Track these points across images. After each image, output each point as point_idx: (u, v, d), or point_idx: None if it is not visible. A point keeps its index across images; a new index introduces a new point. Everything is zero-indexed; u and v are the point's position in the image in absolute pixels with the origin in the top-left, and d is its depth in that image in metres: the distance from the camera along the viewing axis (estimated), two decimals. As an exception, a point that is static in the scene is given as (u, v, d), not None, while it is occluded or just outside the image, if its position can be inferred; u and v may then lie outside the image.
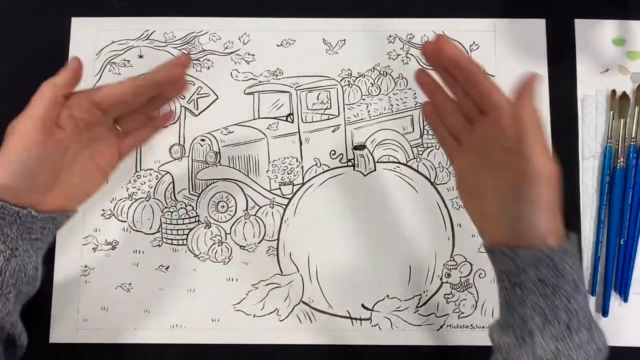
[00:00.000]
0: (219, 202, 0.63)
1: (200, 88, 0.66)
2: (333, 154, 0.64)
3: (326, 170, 0.64)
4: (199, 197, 0.63)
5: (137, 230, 0.63)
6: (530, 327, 0.43)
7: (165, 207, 0.63)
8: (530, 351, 0.42)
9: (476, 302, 0.62)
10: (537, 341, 0.42)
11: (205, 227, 0.63)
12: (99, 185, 0.50)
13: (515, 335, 0.43)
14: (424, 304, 0.62)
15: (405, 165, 0.64)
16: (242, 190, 0.63)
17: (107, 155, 0.50)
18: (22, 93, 0.66)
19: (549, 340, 0.42)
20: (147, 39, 0.66)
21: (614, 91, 0.64)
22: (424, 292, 0.62)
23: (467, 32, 0.66)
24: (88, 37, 0.66)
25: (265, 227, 0.63)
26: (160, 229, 0.63)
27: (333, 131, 0.65)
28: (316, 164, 0.64)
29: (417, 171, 0.64)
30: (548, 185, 0.42)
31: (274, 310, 0.61)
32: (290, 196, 0.63)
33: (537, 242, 0.42)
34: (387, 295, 0.62)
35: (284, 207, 0.63)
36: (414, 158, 0.64)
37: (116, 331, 0.61)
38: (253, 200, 0.63)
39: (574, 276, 0.42)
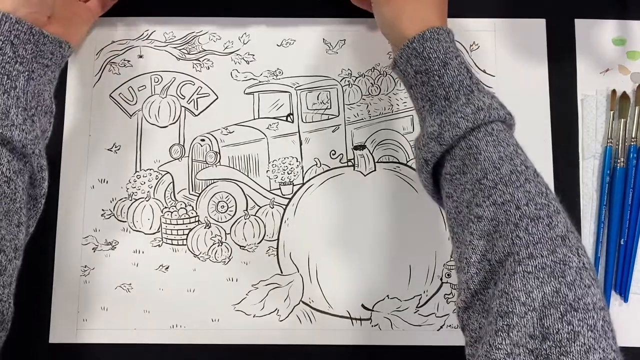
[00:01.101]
0: (219, 202, 0.63)
1: (200, 88, 0.66)
2: (333, 154, 0.64)
3: (326, 170, 0.64)
4: (199, 197, 0.63)
5: (137, 230, 0.63)
6: (424, 115, 0.47)
7: (165, 207, 0.63)
8: (425, 134, 0.46)
9: (476, 302, 0.62)
10: (428, 122, 0.47)
11: (205, 227, 0.63)
12: (90, 20, 0.54)
13: (421, 131, 0.48)
14: (424, 304, 0.62)
15: (405, 165, 0.64)
16: (242, 190, 0.63)
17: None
18: (22, 93, 0.66)
19: (436, 117, 0.46)
20: (147, 39, 0.66)
21: (614, 91, 0.64)
22: (424, 292, 0.62)
23: (467, 32, 0.66)
24: (88, 37, 0.66)
25: (265, 227, 0.63)
26: (160, 229, 0.63)
27: (333, 131, 0.65)
28: (316, 164, 0.64)
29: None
30: None
31: (274, 310, 0.61)
32: (290, 196, 0.63)
33: (404, 38, 0.48)
34: (387, 295, 0.62)
35: (284, 207, 0.63)
36: (414, 158, 0.64)
37: (116, 331, 0.61)
38: (253, 200, 0.63)
39: (439, 54, 0.46)
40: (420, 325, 0.61)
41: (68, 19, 0.52)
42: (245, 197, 0.63)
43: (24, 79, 0.45)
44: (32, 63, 0.46)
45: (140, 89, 0.65)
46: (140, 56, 0.66)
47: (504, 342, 0.36)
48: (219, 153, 0.64)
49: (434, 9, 0.50)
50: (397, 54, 0.49)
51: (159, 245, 0.63)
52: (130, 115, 0.65)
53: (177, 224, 0.63)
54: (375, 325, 0.61)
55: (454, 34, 0.49)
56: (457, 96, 0.45)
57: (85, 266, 0.62)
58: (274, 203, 0.63)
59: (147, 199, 0.63)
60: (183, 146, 0.64)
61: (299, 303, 0.62)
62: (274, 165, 0.64)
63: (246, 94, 0.65)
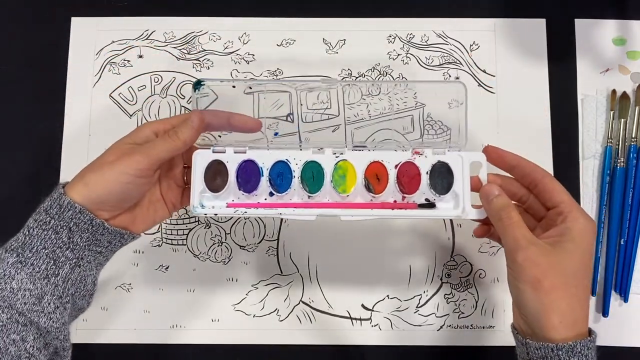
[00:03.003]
0: (219, 202, 0.63)
1: (200, 88, 0.65)
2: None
3: (326, 170, 0.64)
4: (199, 197, 0.63)
5: (137, 230, 0.63)
6: None
7: (165, 207, 0.63)
8: None
9: (476, 302, 0.62)
10: None
11: (205, 227, 0.63)
12: (164, 217, 0.52)
13: None
14: (424, 304, 0.62)
15: (405, 165, 0.64)
16: (242, 190, 0.63)
17: (175, 194, 0.52)
18: (22, 93, 0.66)
19: None
20: (146, 39, 0.66)
21: (614, 91, 0.64)
22: (424, 292, 0.62)
23: (467, 32, 0.66)
24: (88, 37, 0.66)
25: (265, 227, 0.63)
26: (160, 229, 0.63)
27: (333, 131, 0.65)
28: (316, 164, 0.64)
29: (417, 171, 0.64)
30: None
31: (274, 310, 0.61)
32: (290, 196, 0.63)
33: (545, 334, 0.43)
34: (387, 295, 0.62)
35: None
36: None
37: (116, 331, 0.61)
38: (253, 200, 0.63)
39: None
40: (420, 325, 0.61)
41: (142, 213, 0.50)
42: (245, 197, 0.63)
43: (69, 267, 0.45)
44: (84, 250, 0.46)
45: (140, 89, 0.65)
46: (140, 56, 0.66)
47: None
48: (219, 153, 0.64)
49: (586, 307, 0.45)
50: (533, 345, 0.44)
51: (159, 245, 0.63)
52: (130, 115, 0.65)
53: (177, 224, 0.63)
54: (375, 325, 0.61)
55: (596, 335, 0.45)
56: None
57: (85, 266, 0.62)
58: (274, 203, 0.63)
59: (147, 199, 0.63)
60: (183, 146, 0.64)
61: (299, 303, 0.62)
62: (274, 165, 0.64)
63: (246, 93, 0.65)
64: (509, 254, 0.45)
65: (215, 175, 0.50)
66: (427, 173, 0.51)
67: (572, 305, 0.44)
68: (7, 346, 0.42)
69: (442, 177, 0.51)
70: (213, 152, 0.51)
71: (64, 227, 0.44)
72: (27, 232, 0.44)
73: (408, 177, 0.51)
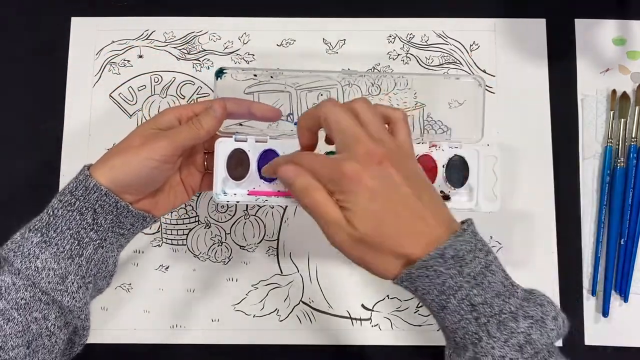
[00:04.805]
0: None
1: (200, 88, 0.66)
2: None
3: (326, 170, 0.64)
4: (198, 197, 0.63)
5: (137, 230, 0.63)
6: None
7: (165, 207, 0.63)
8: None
9: (476, 302, 0.61)
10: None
11: (205, 227, 0.63)
12: (183, 201, 0.53)
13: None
14: (424, 304, 0.62)
15: (405, 165, 0.64)
16: (242, 190, 0.63)
17: (194, 179, 0.53)
18: (22, 93, 0.66)
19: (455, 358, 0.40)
20: (146, 39, 0.66)
21: (614, 91, 0.64)
22: (424, 292, 0.62)
23: (467, 32, 0.66)
24: (88, 37, 0.66)
25: (265, 227, 0.63)
26: (160, 229, 0.63)
27: (333, 131, 0.65)
28: (316, 164, 0.64)
29: (417, 171, 0.64)
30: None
31: (274, 310, 0.61)
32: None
33: (392, 256, 0.40)
34: (387, 295, 0.62)
35: (284, 207, 0.63)
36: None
37: (116, 331, 0.61)
38: (253, 200, 0.63)
39: (433, 297, 0.39)
40: (420, 325, 0.61)
41: (163, 197, 0.51)
42: (245, 197, 0.63)
43: (93, 248, 0.45)
44: (108, 232, 0.46)
45: (140, 89, 0.65)
46: (140, 56, 0.66)
47: None
48: (219, 153, 0.64)
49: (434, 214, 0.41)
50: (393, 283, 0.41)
51: (159, 245, 0.63)
52: (130, 115, 0.65)
53: (177, 224, 0.63)
54: (375, 325, 0.61)
55: (460, 244, 0.39)
56: (465, 345, 0.38)
57: (85, 266, 0.62)
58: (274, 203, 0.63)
59: (147, 199, 0.63)
60: (183, 146, 0.64)
61: (299, 303, 0.62)
62: (274, 165, 0.64)
63: (246, 93, 0.65)
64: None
65: (237, 164, 0.51)
66: (443, 166, 0.51)
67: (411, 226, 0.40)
68: (29, 324, 0.43)
69: (457, 170, 0.52)
70: (235, 140, 0.52)
71: (89, 209, 0.45)
72: (51, 213, 0.45)
73: (425, 169, 0.51)
